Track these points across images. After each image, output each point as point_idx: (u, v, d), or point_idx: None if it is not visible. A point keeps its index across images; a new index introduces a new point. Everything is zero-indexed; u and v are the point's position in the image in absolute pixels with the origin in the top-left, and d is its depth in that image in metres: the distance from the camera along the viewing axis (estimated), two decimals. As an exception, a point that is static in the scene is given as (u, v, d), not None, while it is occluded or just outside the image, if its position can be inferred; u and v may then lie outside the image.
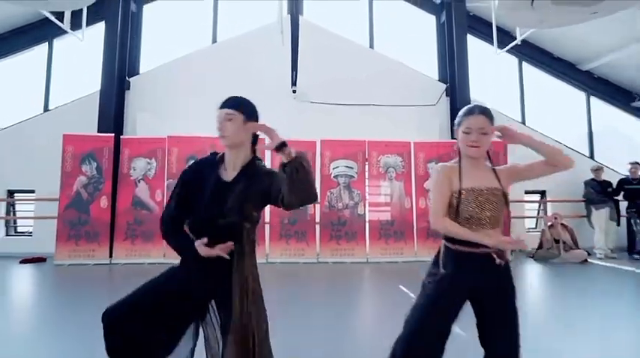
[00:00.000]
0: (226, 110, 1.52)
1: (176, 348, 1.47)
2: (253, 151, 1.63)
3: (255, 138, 1.62)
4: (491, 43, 6.48)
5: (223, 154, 1.60)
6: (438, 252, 1.61)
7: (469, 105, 1.63)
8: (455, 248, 1.53)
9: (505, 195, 1.57)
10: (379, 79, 6.94)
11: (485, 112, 1.58)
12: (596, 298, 3.82)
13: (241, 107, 1.55)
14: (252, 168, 1.57)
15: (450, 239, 1.55)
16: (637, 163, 6.26)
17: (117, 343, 1.40)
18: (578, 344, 2.59)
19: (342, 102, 6.67)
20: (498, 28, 6.05)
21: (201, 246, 1.44)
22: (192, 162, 1.69)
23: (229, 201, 1.48)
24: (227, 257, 1.44)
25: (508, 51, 6.60)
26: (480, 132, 1.55)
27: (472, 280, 1.52)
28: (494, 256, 1.50)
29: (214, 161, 1.60)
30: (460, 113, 1.62)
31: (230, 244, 1.45)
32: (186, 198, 1.55)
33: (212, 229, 1.47)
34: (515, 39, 6.09)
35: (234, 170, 1.56)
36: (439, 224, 1.56)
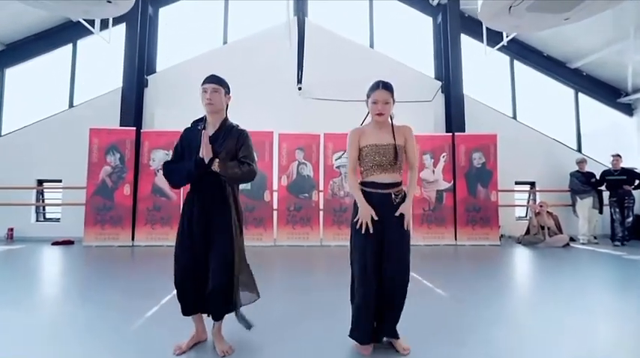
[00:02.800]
0: (213, 85, 2.08)
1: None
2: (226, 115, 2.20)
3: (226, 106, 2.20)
4: (482, 41, 6.95)
5: (205, 118, 2.17)
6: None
7: (375, 81, 2.12)
8: (366, 190, 2.06)
9: (395, 147, 2.06)
10: (379, 77, 7.38)
11: (387, 87, 2.08)
12: (573, 274, 4.30)
13: (223, 83, 2.13)
14: (226, 125, 2.15)
15: (362, 184, 2.10)
16: (618, 155, 6.70)
17: (186, 300, 2.06)
18: (556, 313, 3.07)
19: (344, 98, 7.16)
20: (489, 29, 6.51)
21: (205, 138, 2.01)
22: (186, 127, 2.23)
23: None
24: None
25: (500, 49, 7.05)
26: (383, 103, 2.05)
27: (376, 211, 2.00)
28: (392, 194, 2.04)
29: (200, 125, 2.16)
30: (369, 88, 2.12)
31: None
32: (182, 152, 2.13)
33: None
34: (506, 39, 6.56)
35: (214, 128, 2.13)
36: (350, 178, 2.14)
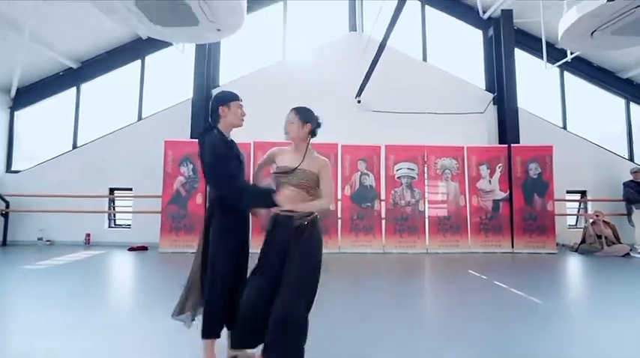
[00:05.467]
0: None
1: None
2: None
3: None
4: (534, 54, 7.12)
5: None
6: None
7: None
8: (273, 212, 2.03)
9: (300, 170, 1.98)
10: (432, 89, 7.67)
11: (295, 109, 2.11)
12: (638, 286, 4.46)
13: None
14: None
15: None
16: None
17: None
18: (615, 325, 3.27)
19: (400, 110, 7.44)
20: (549, 45, 6.67)
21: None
22: (218, 142, 2.08)
23: None
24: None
25: (549, 61, 7.21)
26: (290, 123, 2.08)
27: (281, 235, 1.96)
28: (294, 217, 1.94)
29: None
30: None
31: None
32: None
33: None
34: (558, 50, 6.73)
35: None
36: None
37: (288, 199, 1.95)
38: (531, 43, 7.77)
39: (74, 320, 2.93)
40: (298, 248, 1.91)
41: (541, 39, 6.61)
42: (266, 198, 1.98)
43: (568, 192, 7.73)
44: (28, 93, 7.72)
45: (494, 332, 2.77)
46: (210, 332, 2.00)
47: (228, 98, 2.18)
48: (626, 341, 2.63)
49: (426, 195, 6.76)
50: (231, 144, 2.16)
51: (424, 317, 3.21)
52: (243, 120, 2.22)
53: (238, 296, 2.00)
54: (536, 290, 3.92)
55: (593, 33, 4.06)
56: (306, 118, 2.08)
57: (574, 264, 5.75)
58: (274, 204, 1.95)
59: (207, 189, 2.11)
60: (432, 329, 2.88)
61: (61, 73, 7.79)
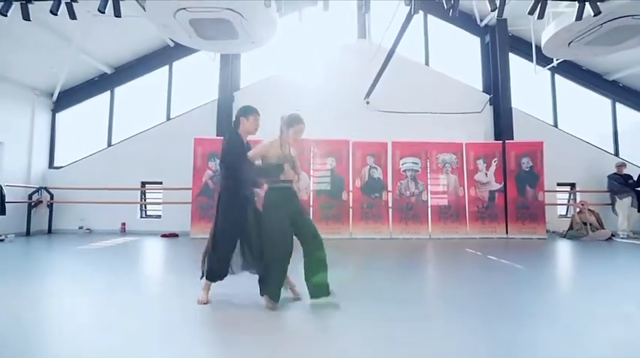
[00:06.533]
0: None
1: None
2: None
3: None
4: (527, 58, 7.80)
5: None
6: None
7: (299, 115, 2.88)
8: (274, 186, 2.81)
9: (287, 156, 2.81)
10: (434, 91, 8.42)
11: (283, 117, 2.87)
12: (619, 266, 5.18)
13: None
14: None
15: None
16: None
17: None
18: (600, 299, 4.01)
19: (405, 110, 8.19)
20: (538, 50, 7.40)
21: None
22: (235, 143, 2.90)
23: None
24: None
25: (540, 64, 7.93)
26: (301, 132, 2.89)
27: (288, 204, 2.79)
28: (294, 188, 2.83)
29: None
30: (295, 119, 2.85)
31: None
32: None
33: None
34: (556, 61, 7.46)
35: None
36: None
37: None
38: (524, 47, 8.49)
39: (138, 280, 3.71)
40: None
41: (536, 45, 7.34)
42: (255, 183, 2.95)
43: (559, 184, 8.45)
44: (67, 97, 8.53)
45: (492, 292, 3.48)
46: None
47: (250, 112, 2.92)
48: (597, 298, 3.37)
49: (429, 186, 7.51)
50: (246, 146, 2.93)
51: (431, 283, 3.96)
52: (257, 130, 2.95)
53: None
54: (524, 262, 4.67)
55: (570, 44, 4.80)
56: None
57: (561, 246, 6.48)
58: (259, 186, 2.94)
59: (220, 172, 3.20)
60: (439, 292, 3.64)
61: (96, 79, 8.60)
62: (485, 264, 4.59)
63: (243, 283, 3.04)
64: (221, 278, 2.88)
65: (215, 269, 2.83)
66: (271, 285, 2.69)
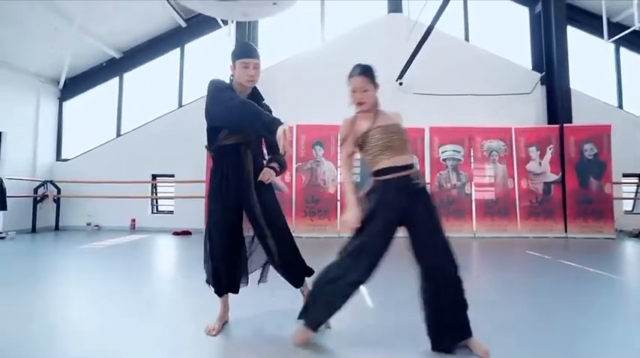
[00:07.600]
0: (256, 60, 1.96)
1: None
2: None
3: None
4: (585, 30, 6.65)
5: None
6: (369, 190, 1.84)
7: (354, 65, 1.86)
8: (382, 178, 1.79)
9: (398, 126, 1.85)
10: (475, 70, 7.38)
11: (365, 73, 1.80)
12: None
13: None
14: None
15: (374, 174, 1.83)
16: None
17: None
18: None
19: (442, 92, 7.19)
20: (595, 16, 6.25)
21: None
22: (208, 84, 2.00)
23: None
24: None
25: (599, 36, 6.73)
26: (362, 91, 1.80)
27: (397, 200, 1.74)
28: (411, 177, 1.77)
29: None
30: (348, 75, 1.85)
31: None
32: None
33: None
34: (613, 24, 6.25)
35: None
36: (344, 172, 1.98)
37: None
38: (581, 17, 7.33)
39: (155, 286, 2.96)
40: (426, 210, 1.83)
41: (593, 13, 6.22)
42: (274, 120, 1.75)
43: (624, 175, 7.26)
44: (74, 85, 7.98)
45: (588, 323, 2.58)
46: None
47: (235, 55, 1.98)
48: None
49: (473, 177, 6.52)
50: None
51: (532, 303, 3.05)
52: (250, 81, 1.95)
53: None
54: (616, 270, 3.67)
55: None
56: (375, 77, 1.84)
57: (626, 250, 5.37)
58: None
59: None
60: (549, 320, 2.73)
61: (104, 64, 8.01)
62: (569, 274, 3.60)
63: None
64: (228, 291, 2.10)
65: (214, 279, 2.07)
66: (319, 309, 1.82)
